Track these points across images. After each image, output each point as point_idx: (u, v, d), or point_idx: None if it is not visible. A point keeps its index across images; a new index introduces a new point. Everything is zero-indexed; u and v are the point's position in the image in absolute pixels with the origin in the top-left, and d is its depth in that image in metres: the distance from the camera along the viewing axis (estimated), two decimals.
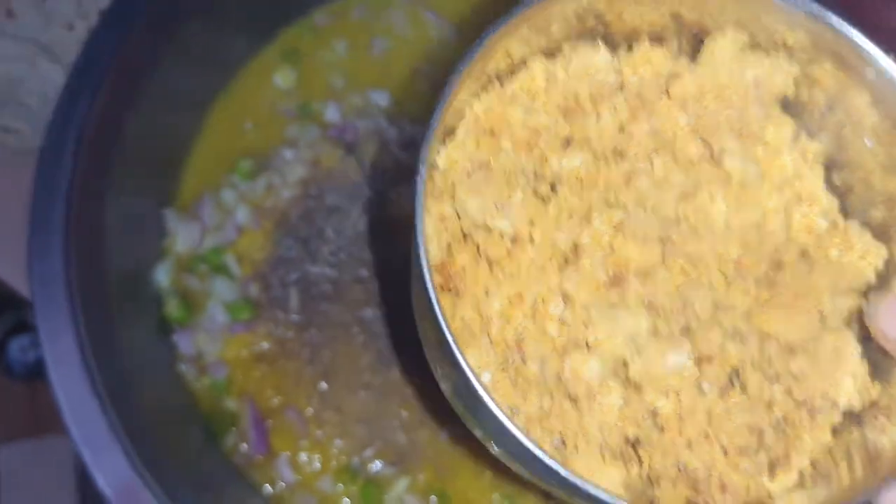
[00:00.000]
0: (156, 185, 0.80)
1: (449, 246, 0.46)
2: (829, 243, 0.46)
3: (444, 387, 0.47)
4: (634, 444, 0.44)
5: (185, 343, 0.76)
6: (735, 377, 0.44)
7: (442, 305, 0.43)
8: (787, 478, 0.44)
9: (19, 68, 0.84)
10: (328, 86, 0.85)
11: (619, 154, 0.47)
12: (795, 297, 0.44)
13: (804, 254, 0.46)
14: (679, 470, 0.44)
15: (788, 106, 0.48)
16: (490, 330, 0.44)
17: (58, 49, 0.85)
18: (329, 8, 0.87)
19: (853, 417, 0.44)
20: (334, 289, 0.78)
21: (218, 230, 0.78)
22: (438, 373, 0.47)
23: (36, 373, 1.37)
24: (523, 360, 0.44)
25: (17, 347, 1.37)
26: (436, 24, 0.87)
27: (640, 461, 0.44)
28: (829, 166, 0.48)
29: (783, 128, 0.47)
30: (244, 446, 0.73)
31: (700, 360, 0.44)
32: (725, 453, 0.43)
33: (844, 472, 0.43)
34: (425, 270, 0.41)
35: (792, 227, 0.47)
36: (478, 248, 0.45)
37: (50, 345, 0.66)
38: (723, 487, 0.43)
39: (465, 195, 0.45)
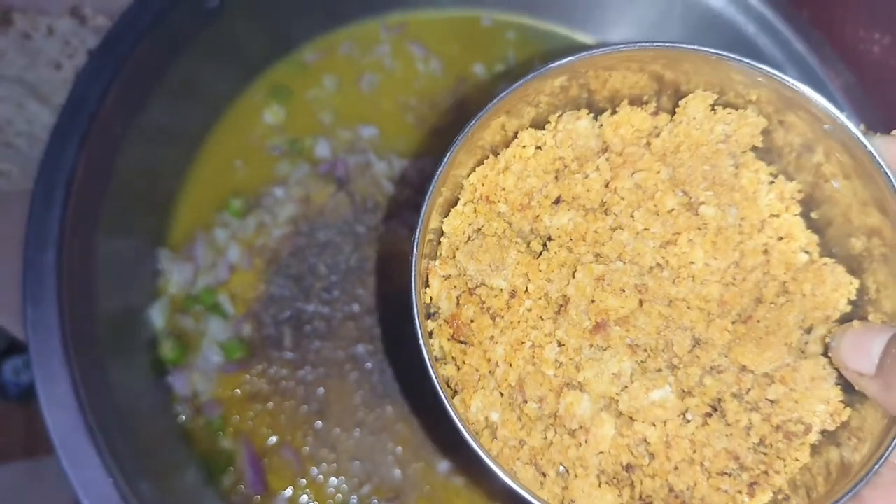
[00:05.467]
0: (148, 226, 0.80)
1: (458, 299, 0.50)
2: (804, 278, 0.49)
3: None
4: (628, 470, 0.48)
5: (180, 384, 0.76)
6: (717, 406, 0.48)
7: (453, 355, 0.50)
8: (764, 496, 0.47)
9: (6, 109, 0.84)
10: (318, 122, 0.85)
11: (605, 209, 0.51)
12: (767, 332, 0.48)
13: (783, 288, 0.49)
14: (669, 491, 0.48)
15: (767, 151, 0.51)
16: (496, 373, 0.49)
17: (45, 89, 0.85)
18: (317, 44, 0.88)
19: (830, 437, 0.48)
20: (327, 326, 0.79)
21: (211, 270, 0.79)
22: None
23: (30, 394, 1.37)
24: (525, 400, 0.48)
25: (11, 370, 1.36)
26: (423, 58, 0.88)
27: (633, 485, 0.48)
28: (808, 203, 0.51)
29: (757, 173, 0.51)
30: (241, 487, 0.74)
31: (682, 393, 0.48)
32: (708, 476, 0.47)
33: (822, 485, 0.47)
34: (425, 353, 0.46)
35: (771, 263, 0.50)
36: (482, 301, 0.49)
37: (45, 391, 0.66)
38: None
39: (465, 259, 0.49)
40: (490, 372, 0.49)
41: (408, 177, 0.84)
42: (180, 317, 0.78)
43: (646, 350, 0.48)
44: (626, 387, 0.47)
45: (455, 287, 0.51)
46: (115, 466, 0.64)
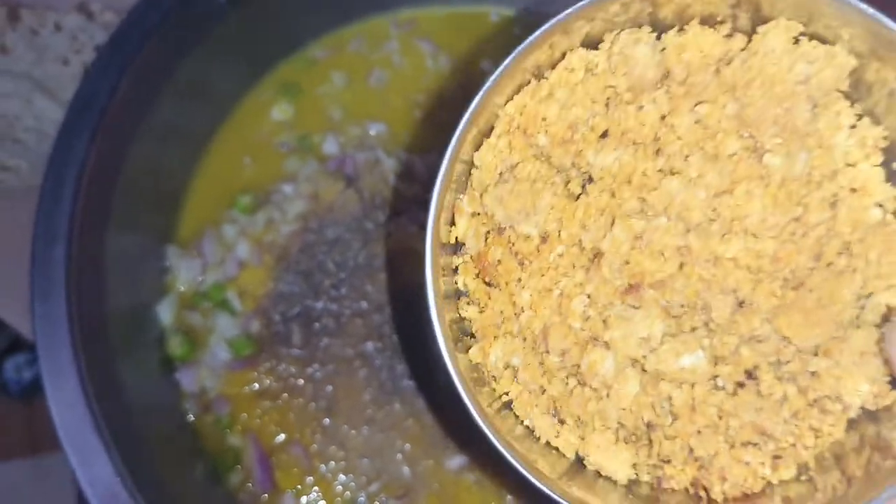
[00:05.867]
0: (156, 222, 0.80)
1: (486, 237, 0.47)
2: (871, 242, 0.44)
3: None
4: (649, 427, 0.46)
5: (187, 380, 0.76)
6: (752, 374, 0.44)
7: (477, 295, 0.48)
8: (787, 472, 0.45)
9: (14, 104, 0.84)
10: (326, 118, 0.85)
11: (657, 149, 0.45)
12: (818, 304, 0.43)
13: (846, 249, 0.44)
14: (689, 453, 0.45)
15: (854, 86, 0.45)
16: (521, 319, 0.46)
17: (52, 84, 0.85)
18: (326, 40, 0.88)
19: (869, 415, 0.44)
20: (336, 323, 0.78)
21: (219, 266, 0.78)
22: None
23: (32, 392, 1.37)
24: (547, 351, 0.46)
25: (13, 367, 1.36)
26: (432, 54, 0.88)
27: (651, 444, 0.46)
28: (893, 152, 0.45)
29: (839, 115, 0.44)
30: (249, 484, 0.73)
31: (715, 359, 0.44)
32: (731, 446, 0.45)
33: (854, 461, 0.44)
34: (431, 298, 0.44)
35: (838, 219, 0.44)
36: (511, 243, 0.46)
37: (53, 387, 0.66)
38: (723, 478, 0.45)
39: (492, 204, 0.46)
40: (515, 315, 0.46)
41: (416, 173, 0.84)
42: (188, 313, 0.77)
43: (681, 311, 0.44)
44: (654, 349, 0.44)
45: (484, 224, 0.47)
46: (122, 464, 0.64)
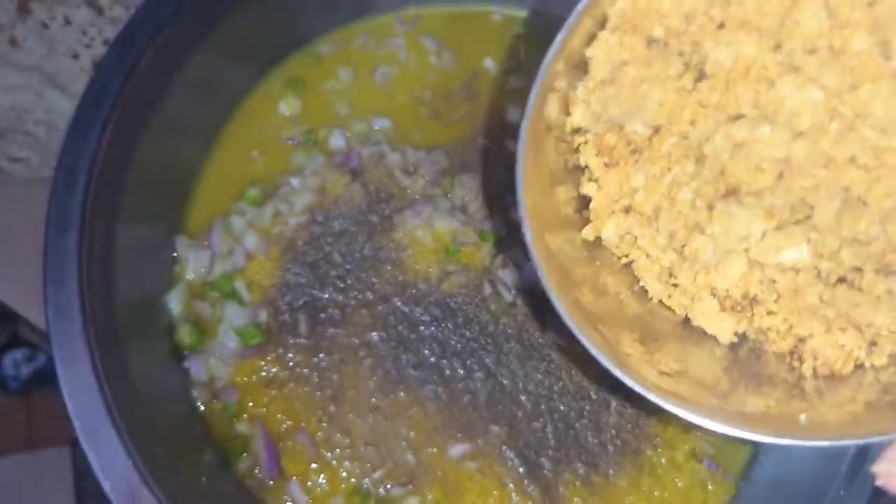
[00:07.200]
0: (166, 214, 0.81)
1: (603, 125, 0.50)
2: None
3: None
4: (753, 302, 0.48)
5: (197, 368, 0.77)
6: (854, 273, 0.46)
7: (597, 173, 0.51)
8: (879, 358, 0.48)
9: (25, 97, 0.84)
10: (333, 113, 0.87)
11: (778, 43, 0.45)
12: None
13: None
14: (788, 329, 0.48)
15: None
16: (635, 199, 0.50)
17: (63, 78, 0.86)
18: (332, 37, 0.89)
19: None
20: (341, 313, 0.80)
21: (227, 257, 0.80)
22: None
23: (30, 387, 1.37)
24: (657, 231, 0.49)
25: (11, 362, 1.37)
26: (436, 52, 0.89)
27: (753, 318, 0.49)
28: None
29: None
30: (257, 471, 0.75)
31: (818, 256, 0.47)
32: (827, 329, 0.47)
33: None
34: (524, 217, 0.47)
35: None
36: (624, 133, 0.50)
37: (66, 373, 0.67)
38: (815, 356, 0.48)
39: (601, 105, 0.49)
40: (628, 195, 0.50)
41: (421, 168, 0.85)
42: (197, 303, 0.79)
43: (777, 216, 0.46)
44: (754, 245, 0.47)
45: (597, 114, 0.50)
46: (134, 448, 0.65)
